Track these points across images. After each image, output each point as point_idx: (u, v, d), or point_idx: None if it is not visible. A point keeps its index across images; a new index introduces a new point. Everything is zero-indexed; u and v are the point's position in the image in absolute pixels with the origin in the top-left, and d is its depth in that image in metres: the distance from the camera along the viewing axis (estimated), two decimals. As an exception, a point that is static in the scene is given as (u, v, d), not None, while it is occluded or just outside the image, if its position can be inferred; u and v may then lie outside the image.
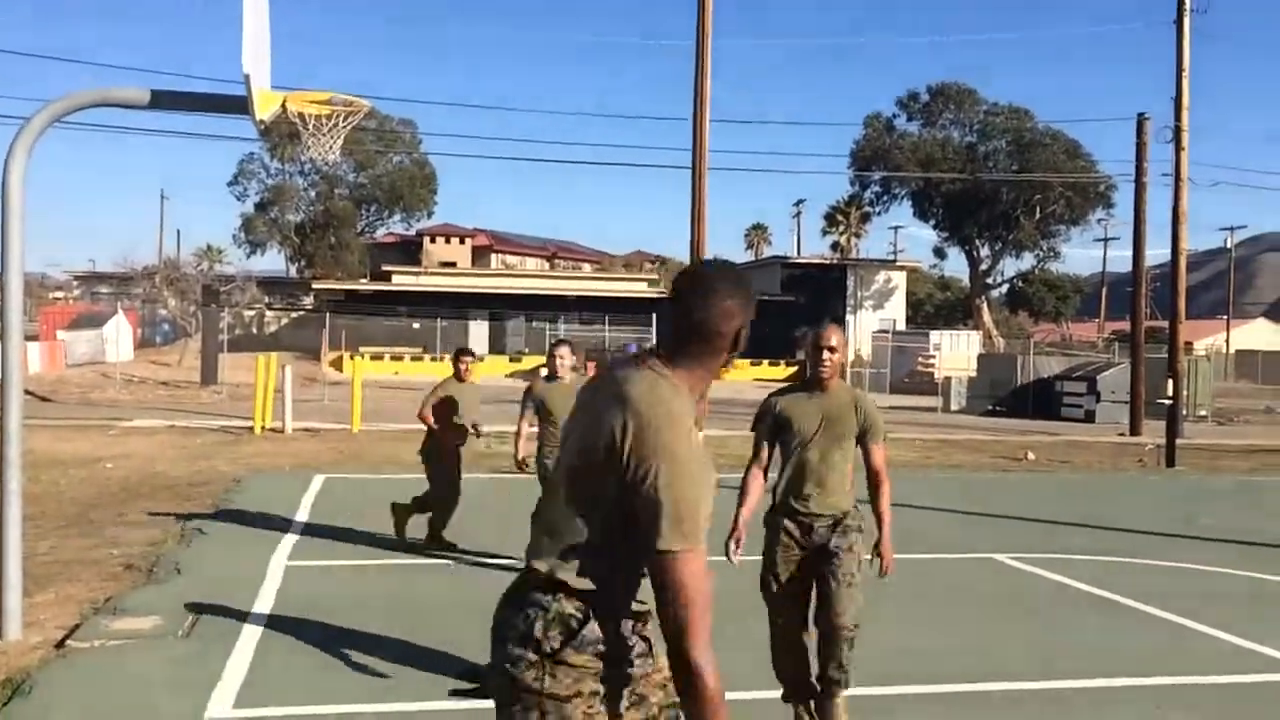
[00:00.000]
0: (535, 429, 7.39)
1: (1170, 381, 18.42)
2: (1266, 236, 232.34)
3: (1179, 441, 17.76)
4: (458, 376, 8.38)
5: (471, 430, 8.40)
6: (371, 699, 4.83)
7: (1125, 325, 31.78)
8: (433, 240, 65.27)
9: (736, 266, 2.41)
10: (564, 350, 7.29)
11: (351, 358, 27.45)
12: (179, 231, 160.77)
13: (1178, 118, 21.28)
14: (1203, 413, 28.96)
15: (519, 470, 7.46)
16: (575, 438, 2.29)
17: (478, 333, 46.44)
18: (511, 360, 44.68)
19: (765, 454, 4.49)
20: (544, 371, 7.55)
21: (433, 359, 34.38)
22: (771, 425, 4.46)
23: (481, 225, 70.20)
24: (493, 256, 68.93)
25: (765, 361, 47.17)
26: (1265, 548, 9.61)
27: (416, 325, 42.89)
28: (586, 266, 70.75)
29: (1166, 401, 18.02)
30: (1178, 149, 21.24)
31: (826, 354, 4.34)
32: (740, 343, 2.28)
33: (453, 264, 60.98)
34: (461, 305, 44.38)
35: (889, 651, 5.84)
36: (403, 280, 48.87)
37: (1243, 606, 7.21)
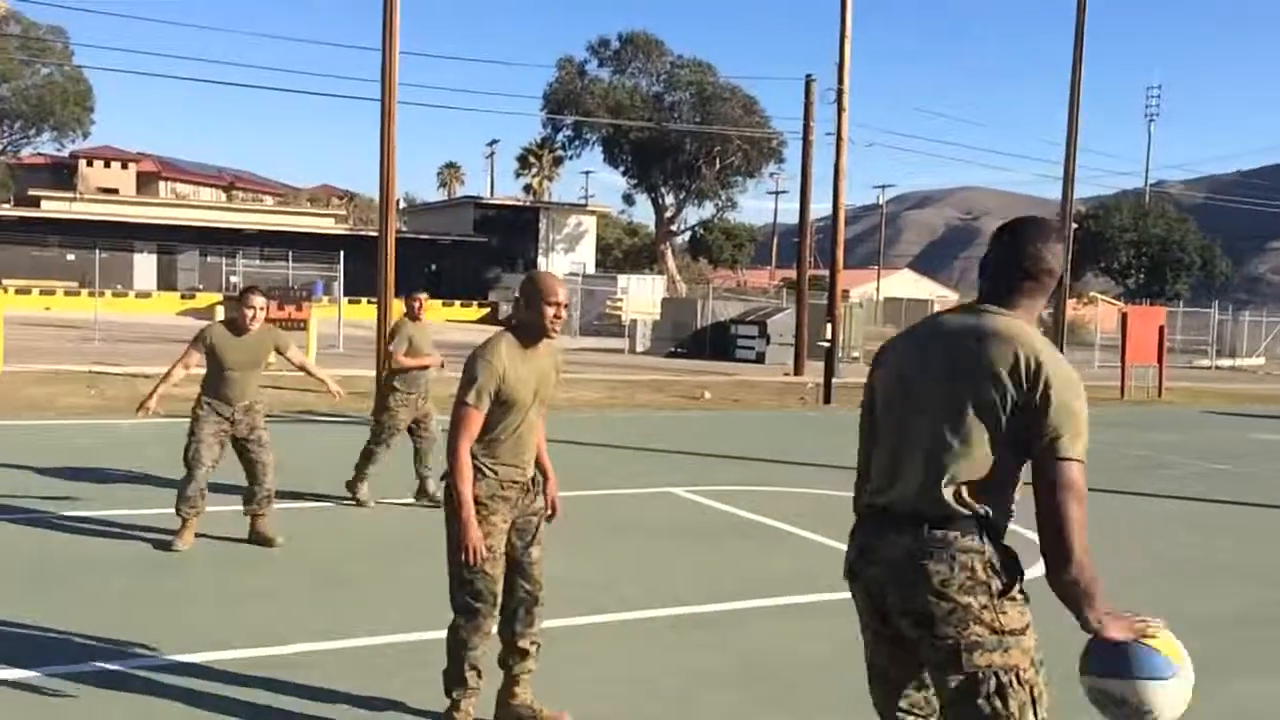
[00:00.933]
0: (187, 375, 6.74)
1: (829, 326, 20.07)
2: (911, 195, 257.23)
3: (835, 380, 19.44)
4: (412, 316, 8.11)
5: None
6: (18, 664, 4.44)
7: (793, 273, 34.15)
8: (90, 164, 59.43)
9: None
10: (259, 300, 6.62)
11: (-9, 291, 24.55)
12: None
13: (840, 81, 22.91)
14: (856, 354, 31.83)
15: (142, 413, 6.57)
16: (938, 381, 2.50)
17: (144, 267, 42.94)
18: (184, 297, 41.67)
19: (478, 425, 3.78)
20: (219, 315, 7.03)
21: (91, 294, 31.39)
22: (493, 390, 3.76)
23: (147, 149, 64.69)
24: (161, 184, 63.76)
25: (457, 303, 46.87)
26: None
27: (71, 257, 39.00)
28: (268, 199, 67.02)
29: (825, 344, 19.64)
30: (839, 110, 22.89)
31: (563, 312, 3.82)
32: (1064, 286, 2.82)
33: (114, 191, 55.85)
34: (125, 236, 40.82)
35: (565, 584, 6.07)
36: (54, 206, 44.17)
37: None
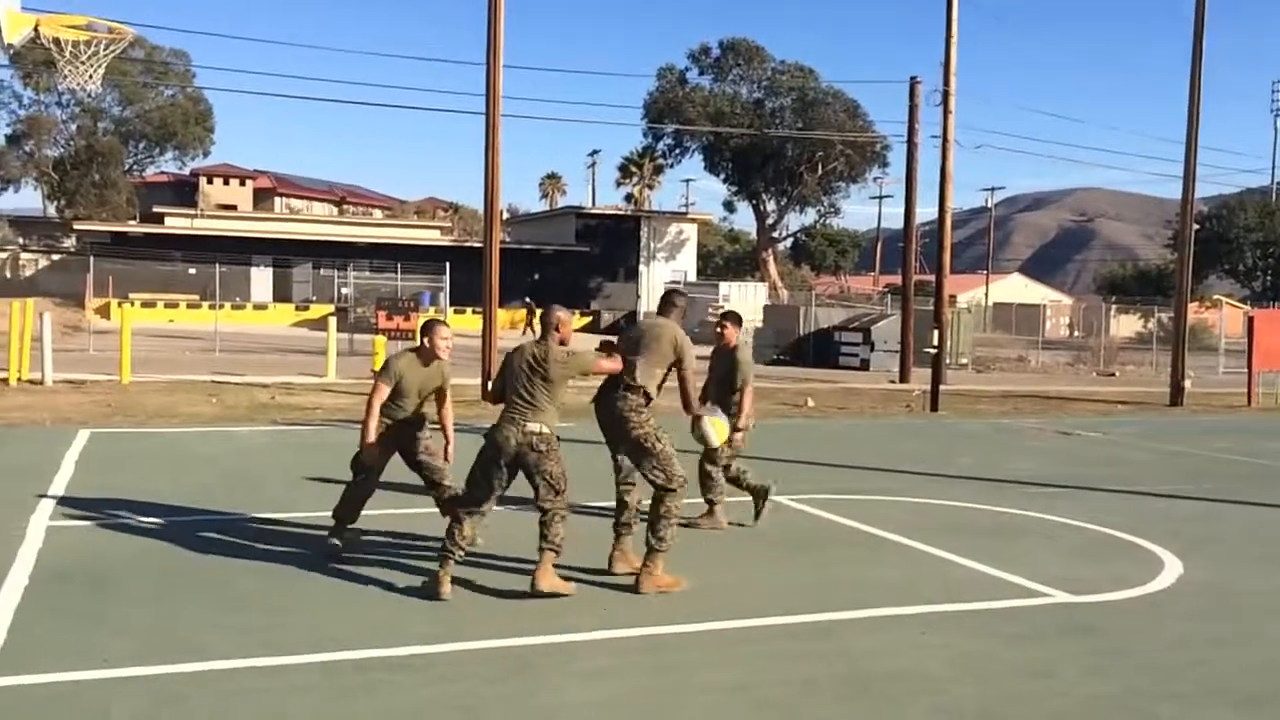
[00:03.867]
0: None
1: (935, 332, 19.68)
2: (1022, 197, 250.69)
3: (942, 388, 19.04)
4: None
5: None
6: (149, 661, 4.63)
7: (898, 279, 33.62)
8: (210, 181, 61.80)
9: None
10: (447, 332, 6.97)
11: (120, 304, 25.75)
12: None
13: (946, 83, 22.51)
14: (964, 361, 31.15)
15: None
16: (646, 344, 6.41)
17: (261, 280, 44.44)
18: (298, 309, 43.02)
19: None
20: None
21: (211, 307, 32.74)
22: None
23: (263, 167, 67.03)
24: (276, 200, 65.92)
25: (559, 311, 47.18)
26: (1013, 485, 10.49)
27: (193, 271, 40.57)
28: (377, 212, 68.75)
29: (932, 351, 19.26)
30: (945, 112, 22.50)
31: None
32: None
33: (233, 207, 57.96)
34: (243, 250, 42.30)
35: (676, 592, 6.06)
36: (177, 223, 46.05)
37: (994, 538, 7.86)
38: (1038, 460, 12.42)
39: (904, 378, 24.40)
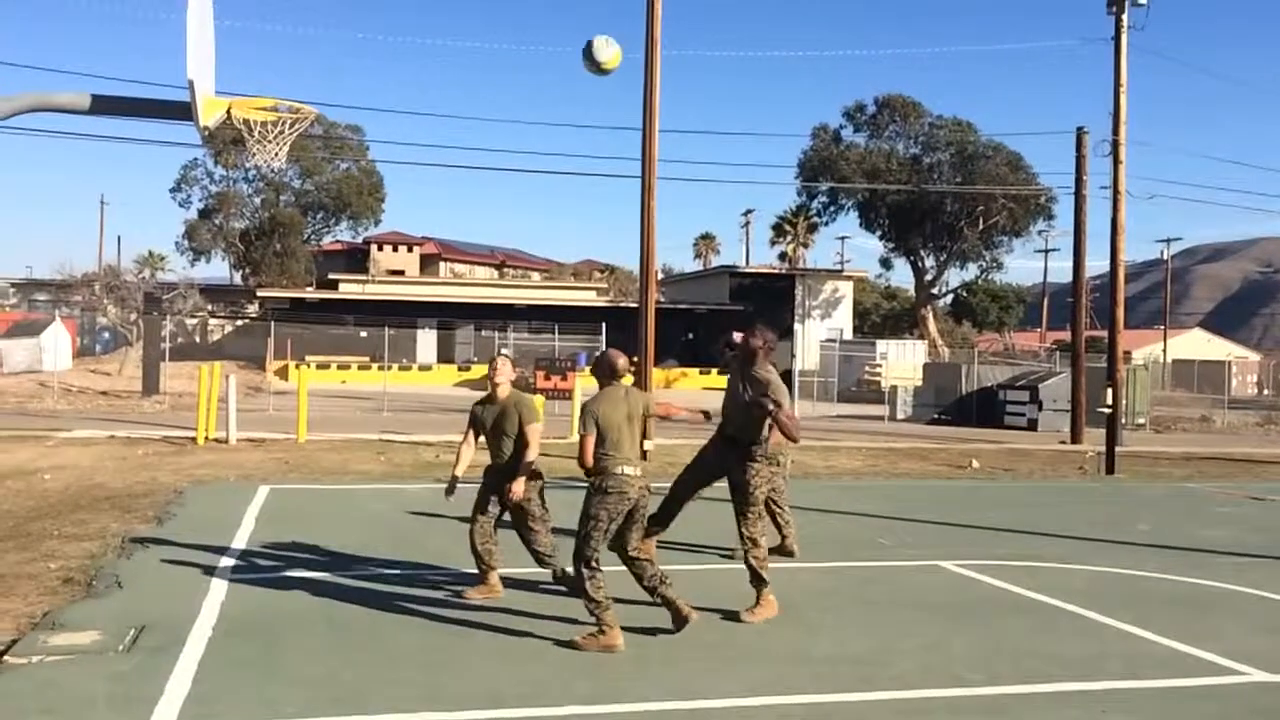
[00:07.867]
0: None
1: (1109, 390, 18.78)
2: (1201, 248, 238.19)
3: (1118, 449, 18.11)
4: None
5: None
6: (319, 713, 4.78)
7: (1066, 335, 32.34)
8: (380, 248, 64.77)
9: None
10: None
11: (297, 366, 27.15)
12: (119, 238, 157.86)
13: (1115, 132, 21.72)
14: (1141, 421, 29.59)
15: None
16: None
17: (426, 342, 46.13)
18: (460, 369, 44.41)
19: None
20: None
21: (380, 368, 34.16)
22: None
23: (429, 233, 69.87)
24: (441, 264, 68.54)
25: (714, 370, 47.37)
26: (1200, 553, 9.83)
27: (364, 334, 42.50)
28: (535, 275, 70.59)
29: (1106, 410, 18.38)
30: (1115, 162, 21.68)
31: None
32: None
33: (401, 272, 60.55)
34: (410, 314, 44.07)
35: (832, 658, 5.90)
36: (350, 288, 48.39)
37: (1180, 610, 7.37)
38: (1227, 527, 11.63)
39: (1076, 438, 23.33)
